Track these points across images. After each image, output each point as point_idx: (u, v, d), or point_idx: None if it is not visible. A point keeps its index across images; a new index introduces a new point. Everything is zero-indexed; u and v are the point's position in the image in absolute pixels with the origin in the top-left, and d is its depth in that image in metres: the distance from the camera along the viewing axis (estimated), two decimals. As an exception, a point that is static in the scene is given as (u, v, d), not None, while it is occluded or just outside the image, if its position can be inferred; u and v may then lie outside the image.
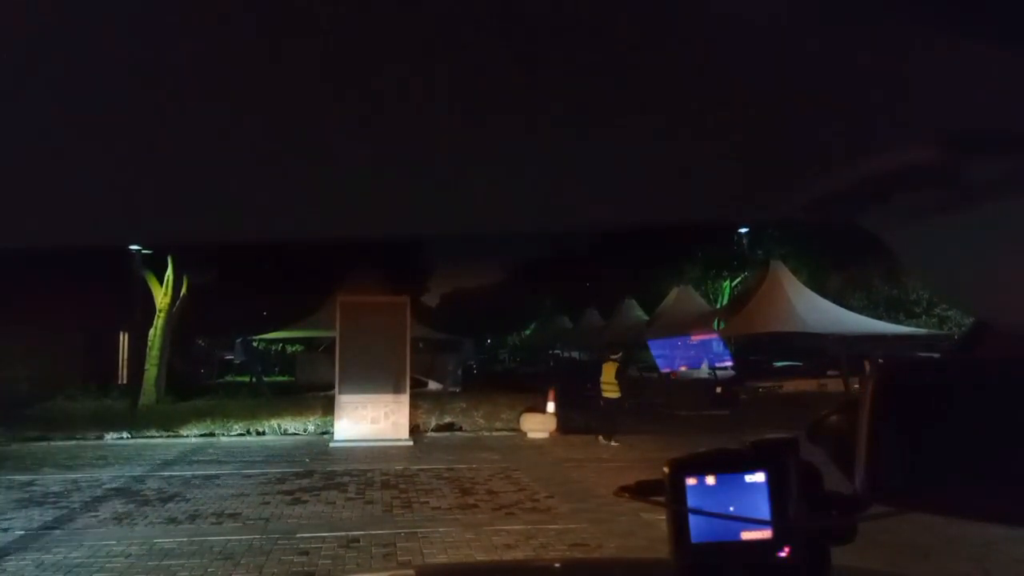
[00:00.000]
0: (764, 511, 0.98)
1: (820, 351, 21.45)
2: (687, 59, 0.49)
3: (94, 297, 18.61)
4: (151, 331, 18.34)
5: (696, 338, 23.12)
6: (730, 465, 1.00)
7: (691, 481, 0.99)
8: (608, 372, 13.40)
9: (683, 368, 23.71)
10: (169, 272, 18.38)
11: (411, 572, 3.61)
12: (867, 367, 12.90)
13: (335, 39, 0.46)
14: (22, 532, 7.00)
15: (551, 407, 14.19)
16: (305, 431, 14.21)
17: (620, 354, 14.81)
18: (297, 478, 9.68)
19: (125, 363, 22.89)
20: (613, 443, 12.75)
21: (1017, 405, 0.55)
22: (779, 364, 22.43)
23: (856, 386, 13.08)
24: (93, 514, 7.72)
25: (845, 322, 20.01)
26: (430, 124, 0.60)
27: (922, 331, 21.02)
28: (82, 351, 20.10)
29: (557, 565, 2.25)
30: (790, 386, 20.23)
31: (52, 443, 12.91)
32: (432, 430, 14.42)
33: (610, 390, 13.29)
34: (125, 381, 21.47)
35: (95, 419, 14.22)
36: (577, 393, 16.61)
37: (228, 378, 27.64)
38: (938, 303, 21.52)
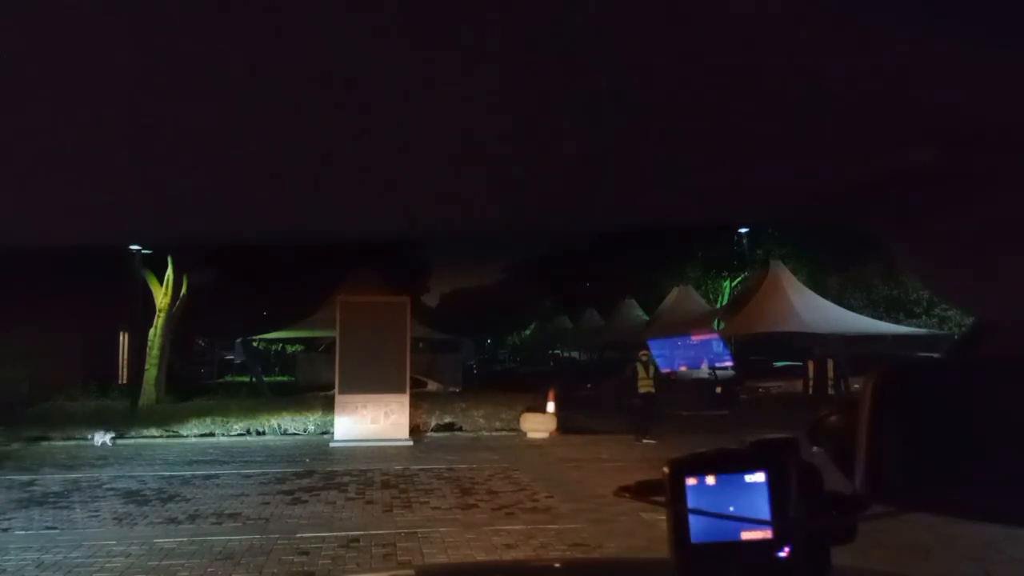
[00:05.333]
0: (764, 511, 0.98)
1: (819, 351, 21.42)
2: (688, 61, 0.49)
3: (94, 297, 18.61)
4: (151, 331, 18.34)
5: (696, 338, 23.10)
6: (730, 465, 1.00)
7: (691, 481, 0.99)
8: (643, 370, 14.14)
9: (683, 368, 23.69)
10: (169, 272, 18.38)
11: (411, 572, 3.61)
12: (810, 366, 12.92)
13: (335, 40, 0.46)
14: (22, 532, 7.00)
15: (551, 407, 14.23)
16: (305, 431, 14.21)
17: (648, 352, 15.80)
18: (297, 478, 9.68)
19: (125, 363, 22.89)
20: (646, 440, 12.98)
21: (1017, 405, 0.55)
22: (779, 364, 22.42)
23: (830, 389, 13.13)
24: (93, 514, 7.72)
25: (845, 322, 20.02)
26: (430, 124, 0.60)
27: (922, 331, 21.01)
28: (82, 351, 20.09)
29: (557, 565, 2.25)
30: (790, 386, 20.23)
31: (52, 443, 12.91)
32: (432, 430, 14.42)
33: (646, 386, 13.95)
34: (125, 381, 21.48)
35: (95, 418, 14.22)
36: (577, 393, 16.67)
37: (228, 378, 27.63)
38: (938, 303, 21.51)
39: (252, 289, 23.51)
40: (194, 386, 21.07)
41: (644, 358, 14.53)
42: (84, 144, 0.63)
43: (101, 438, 12.83)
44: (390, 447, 12.46)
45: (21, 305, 15.49)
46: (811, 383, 12.53)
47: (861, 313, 21.90)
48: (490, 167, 0.72)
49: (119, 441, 13.17)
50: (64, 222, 0.88)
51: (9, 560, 6.08)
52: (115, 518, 7.54)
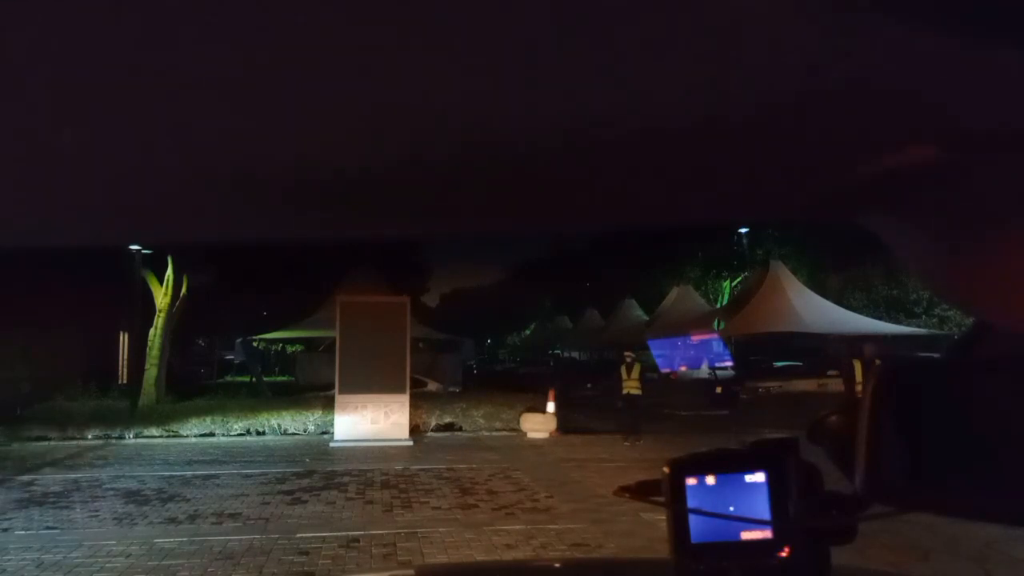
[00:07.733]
0: (764, 511, 0.98)
1: (820, 351, 21.44)
2: (687, 59, 0.49)
3: (94, 297, 18.62)
4: (151, 331, 18.34)
5: (696, 338, 23.14)
6: (730, 465, 1.00)
7: (691, 481, 0.99)
8: (626, 372, 13.80)
9: (683, 368, 23.71)
10: (169, 272, 18.39)
11: (411, 572, 3.61)
12: (857, 367, 12.56)
13: (335, 39, 0.46)
14: (22, 532, 7.01)
15: (551, 407, 14.22)
16: (305, 431, 14.22)
17: (632, 354, 15.10)
18: (297, 478, 9.68)
19: (125, 363, 22.88)
20: (639, 441, 12.90)
21: (1017, 405, 0.55)
22: (779, 364, 22.44)
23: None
24: (93, 514, 7.73)
25: (845, 322, 20.04)
26: (430, 124, 0.60)
27: (922, 331, 21.04)
28: (82, 351, 20.09)
29: (557, 565, 2.25)
30: (790, 386, 20.23)
31: (52, 443, 12.92)
32: (432, 430, 14.42)
33: (633, 388, 13.64)
34: (125, 381, 21.48)
35: (95, 418, 14.24)
36: (577, 393, 16.60)
37: (228, 378, 27.64)
38: (938, 303, 21.51)
39: (252, 289, 23.51)
40: (194, 386, 21.08)
41: (628, 359, 14.07)
42: (84, 144, 0.63)
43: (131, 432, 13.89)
44: (390, 447, 12.46)
45: (21, 305, 15.50)
46: (859, 385, 11.89)
47: (861, 313, 21.93)
48: (490, 167, 0.72)
49: (120, 441, 13.23)
50: (64, 222, 0.88)
51: (9, 560, 6.08)
52: (115, 518, 7.54)
